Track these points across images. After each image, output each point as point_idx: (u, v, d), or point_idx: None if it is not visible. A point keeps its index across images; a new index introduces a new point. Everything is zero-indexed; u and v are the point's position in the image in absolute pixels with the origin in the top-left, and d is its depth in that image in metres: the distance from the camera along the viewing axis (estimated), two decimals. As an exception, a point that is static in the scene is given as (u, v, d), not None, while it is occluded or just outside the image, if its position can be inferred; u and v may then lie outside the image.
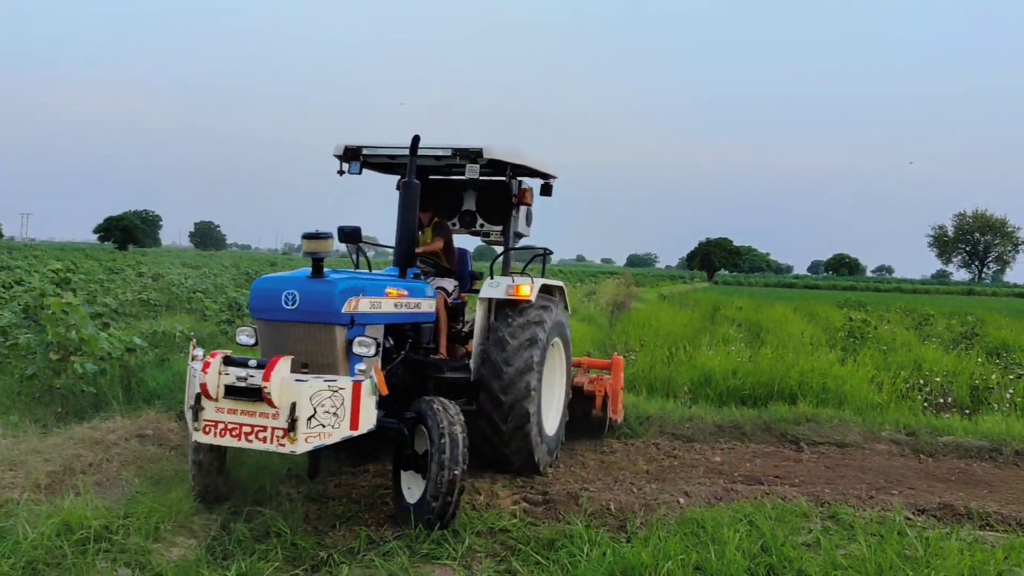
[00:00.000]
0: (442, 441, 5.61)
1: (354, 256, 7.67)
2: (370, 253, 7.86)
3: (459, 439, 5.67)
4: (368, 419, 5.50)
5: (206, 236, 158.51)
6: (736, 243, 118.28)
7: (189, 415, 5.52)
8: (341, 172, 7.35)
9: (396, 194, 7.46)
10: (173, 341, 11.04)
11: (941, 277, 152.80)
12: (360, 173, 7.39)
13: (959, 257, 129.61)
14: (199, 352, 5.58)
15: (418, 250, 7.56)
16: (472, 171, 6.92)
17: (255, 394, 5.21)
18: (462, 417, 5.91)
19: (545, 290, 7.98)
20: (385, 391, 5.64)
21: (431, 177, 8.42)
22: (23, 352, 8.45)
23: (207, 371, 5.33)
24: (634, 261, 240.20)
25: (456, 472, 5.57)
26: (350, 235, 6.79)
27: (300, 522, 5.81)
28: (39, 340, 8.38)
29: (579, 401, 8.76)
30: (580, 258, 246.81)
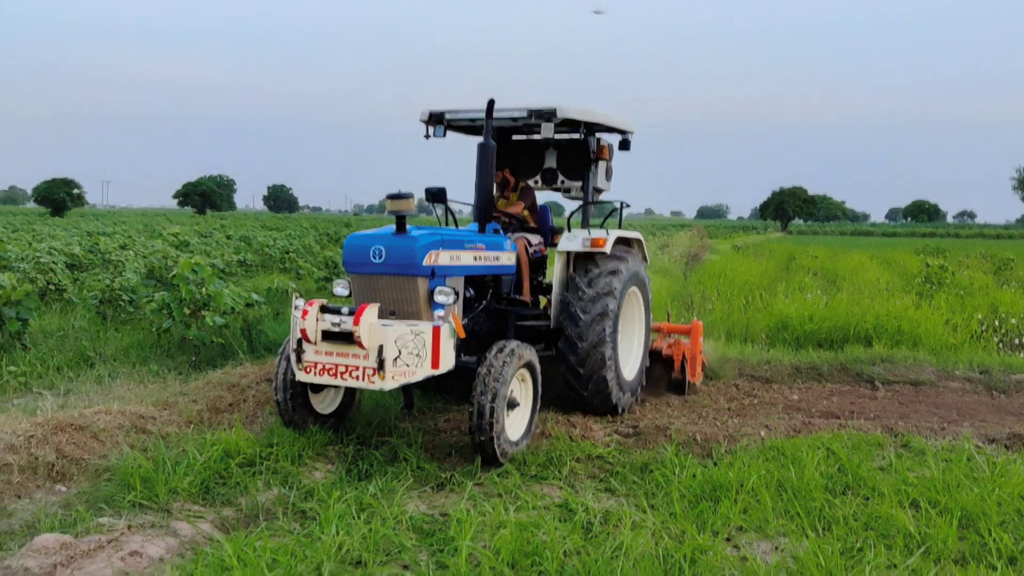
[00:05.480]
0: (480, 370, 6.10)
1: (439, 214, 8.22)
2: (458, 212, 8.38)
3: (497, 370, 6.06)
4: (448, 360, 6.09)
5: (279, 199, 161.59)
6: (810, 192, 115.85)
7: (293, 357, 6.13)
8: (428, 136, 7.83)
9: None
10: (284, 296, 11.97)
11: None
12: (444, 136, 7.88)
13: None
14: (300, 302, 6.16)
15: (502, 210, 8.13)
16: (547, 130, 7.29)
17: (347, 338, 5.80)
18: (523, 352, 6.36)
19: (623, 242, 8.28)
20: (462, 335, 6.25)
21: (514, 138, 8.90)
22: (158, 308, 9.40)
23: (306, 318, 5.93)
24: (705, 213, 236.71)
25: (484, 399, 5.97)
26: (436, 195, 7.37)
27: (420, 450, 6.55)
28: (172, 297, 9.33)
29: (658, 364, 9.02)
30: (649, 212, 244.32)
